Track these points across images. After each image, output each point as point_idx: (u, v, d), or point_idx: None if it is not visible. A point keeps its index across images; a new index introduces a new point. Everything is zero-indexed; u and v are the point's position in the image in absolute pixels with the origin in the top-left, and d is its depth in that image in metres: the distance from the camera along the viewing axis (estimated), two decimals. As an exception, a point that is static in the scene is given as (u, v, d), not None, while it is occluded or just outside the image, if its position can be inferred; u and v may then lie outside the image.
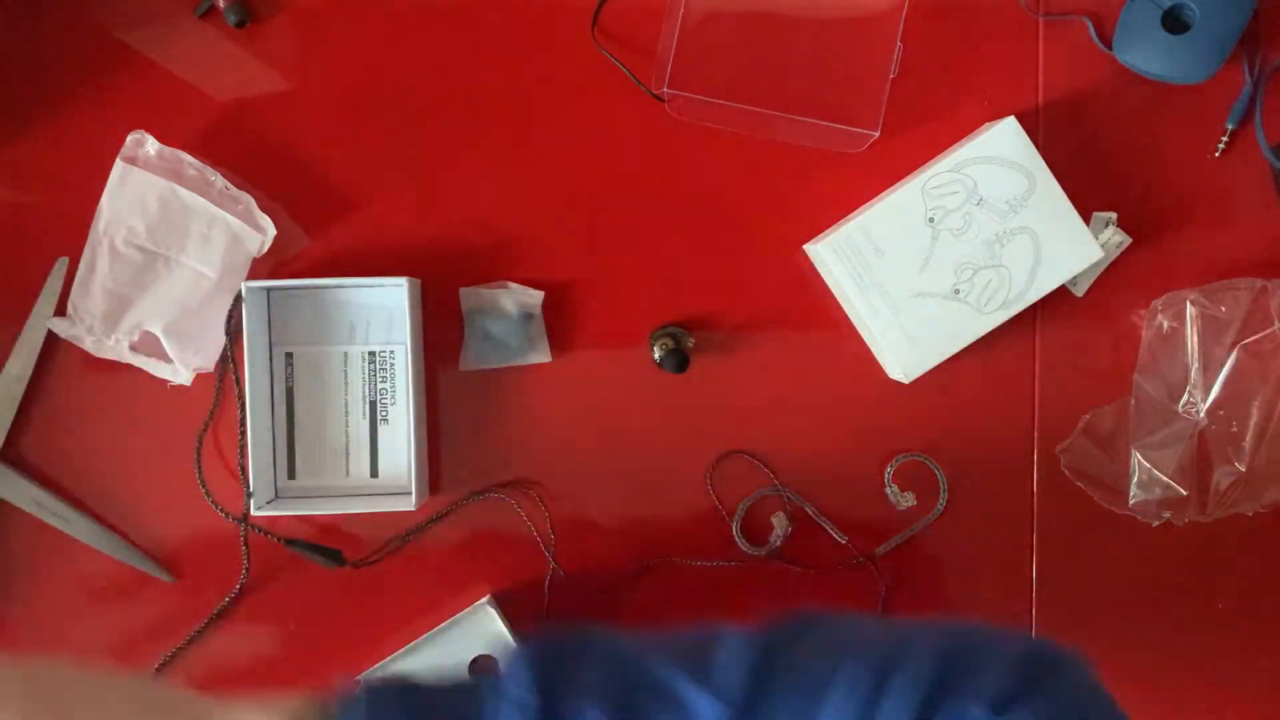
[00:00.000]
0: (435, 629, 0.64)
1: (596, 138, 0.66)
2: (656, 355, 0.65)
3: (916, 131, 0.67)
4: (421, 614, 0.67)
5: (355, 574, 0.67)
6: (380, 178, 0.66)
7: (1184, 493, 0.65)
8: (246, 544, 0.66)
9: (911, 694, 0.38)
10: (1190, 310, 0.64)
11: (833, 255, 0.63)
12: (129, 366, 0.65)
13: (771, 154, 0.67)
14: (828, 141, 0.66)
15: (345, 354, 0.66)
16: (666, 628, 0.45)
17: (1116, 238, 0.65)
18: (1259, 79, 0.66)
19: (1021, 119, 0.62)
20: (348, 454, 0.66)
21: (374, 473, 0.66)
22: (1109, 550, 0.68)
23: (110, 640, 0.67)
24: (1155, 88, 0.66)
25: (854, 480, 0.67)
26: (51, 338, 0.65)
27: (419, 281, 0.66)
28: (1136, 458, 0.66)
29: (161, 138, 0.63)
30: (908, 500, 0.67)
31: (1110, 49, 0.65)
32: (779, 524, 0.67)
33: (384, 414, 0.66)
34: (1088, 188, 0.65)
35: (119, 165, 0.63)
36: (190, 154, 0.64)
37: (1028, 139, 0.62)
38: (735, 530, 0.67)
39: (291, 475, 0.66)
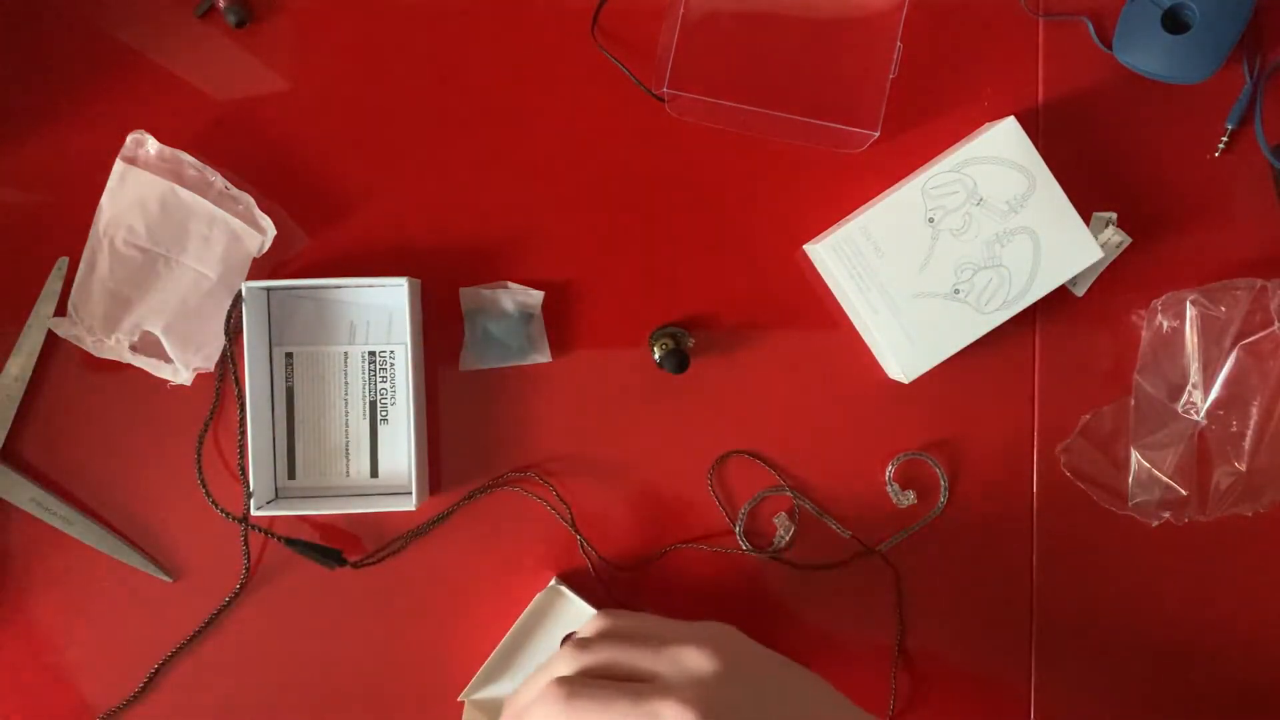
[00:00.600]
0: (516, 621, 0.65)
1: (596, 138, 0.67)
2: (656, 355, 0.65)
3: (916, 131, 0.67)
4: (423, 613, 0.67)
5: (356, 574, 0.67)
6: (380, 178, 0.66)
7: (1184, 493, 0.65)
8: (247, 544, 0.66)
9: None
10: (1190, 310, 0.64)
11: (833, 255, 0.63)
12: (129, 366, 0.65)
13: (771, 154, 0.67)
14: (828, 141, 0.66)
15: (345, 354, 0.66)
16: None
17: (1116, 238, 0.65)
18: (1259, 79, 0.66)
19: (1021, 119, 0.62)
20: (348, 454, 0.66)
21: (374, 473, 0.66)
22: (1109, 550, 0.68)
23: (110, 640, 0.67)
24: (1155, 88, 0.66)
25: (854, 479, 0.67)
26: (51, 338, 0.65)
27: (419, 282, 0.66)
28: (1136, 458, 0.66)
29: (161, 138, 0.63)
30: (908, 499, 0.67)
31: (1110, 49, 0.65)
32: (781, 525, 0.67)
33: (384, 414, 0.66)
34: (1088, 188, 0.65)
35: (119, 165, 0.63)
36: (190, 154, 0.64)
37: (1028, 139, 0.62)
38: (739, 533, 0.67)
39: (291, 475, 0.66)
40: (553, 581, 0.65)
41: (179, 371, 0.64)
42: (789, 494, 0.67)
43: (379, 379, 0.66)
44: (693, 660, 0.43)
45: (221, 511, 0.66)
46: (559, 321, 0.67)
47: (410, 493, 0.64)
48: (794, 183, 0.67)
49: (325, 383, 0.66)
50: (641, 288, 0.67)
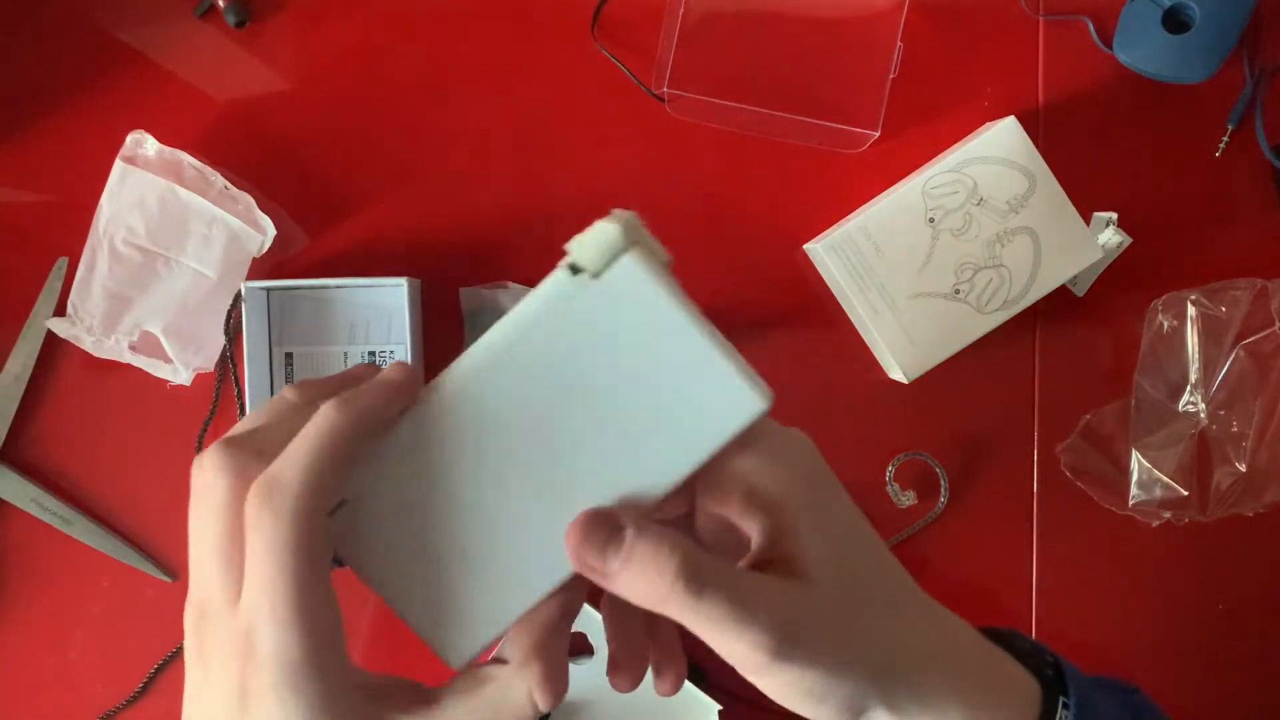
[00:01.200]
0: None
1: (596, 138, 0.66)
2: None
3: (916, 131, 0.67)
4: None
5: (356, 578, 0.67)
6: (380, 178, 0.66)
7: (1184, 493, 0.65)
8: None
9: None
10: (1191, 310, 0.64)
11: (833, 255, 0.63)
12: (129, 366, 0.65)
13: (771, 154, 0.67)
14: (828, 141, 0.66)
15: (345, 354, 0.66)
16: None
17: (1117, 238, 0.65)
18: (1259, 79, 0.66)
19: (1022, 119, 0.62)
20: (347, 454, 0.66)
21: (374, 473, 0.66)
22: (1109, 550, 0.68)
23: (109, 640, 0.67)
24: (1156, 87, 0.66)
25: (854, 479, 0.67)
26: (51, 338, 0.65)
27: (419, 282, 0.66)
28: (1137, 457, 0.66)
29: (161, 137, 0.63)
30: (908, 499, 0.67)
31: (1111, 49, 0.65)
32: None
33: (384, 414, 0.66)
34: (1088, 188, 0.65)
35: (118, 165, 0.63)
36: (190, 154, 0.64)
37: (1028, 139, 0.62)
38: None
39: (291, 475, 0.66)
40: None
41: (178, 371, 0.64)
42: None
43: (379, 379, 0.66)
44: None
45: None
46: (559, 321, 0.66)
47: (410, 493, 0.64)
48: (794, 183, 0.67)
49: (325, 383, 0.66)
50: (641, 288, 0.67)
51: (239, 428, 0.34)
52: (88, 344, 0.63)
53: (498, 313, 0.65)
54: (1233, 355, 0.64)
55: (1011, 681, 0.36)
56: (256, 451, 0.32)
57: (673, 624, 0.31)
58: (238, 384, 0.65)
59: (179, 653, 0.67)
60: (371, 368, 0.36)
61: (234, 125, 0.66)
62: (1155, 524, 0.67)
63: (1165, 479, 0.65)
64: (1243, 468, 0.65)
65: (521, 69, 0.66)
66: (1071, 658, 0.39)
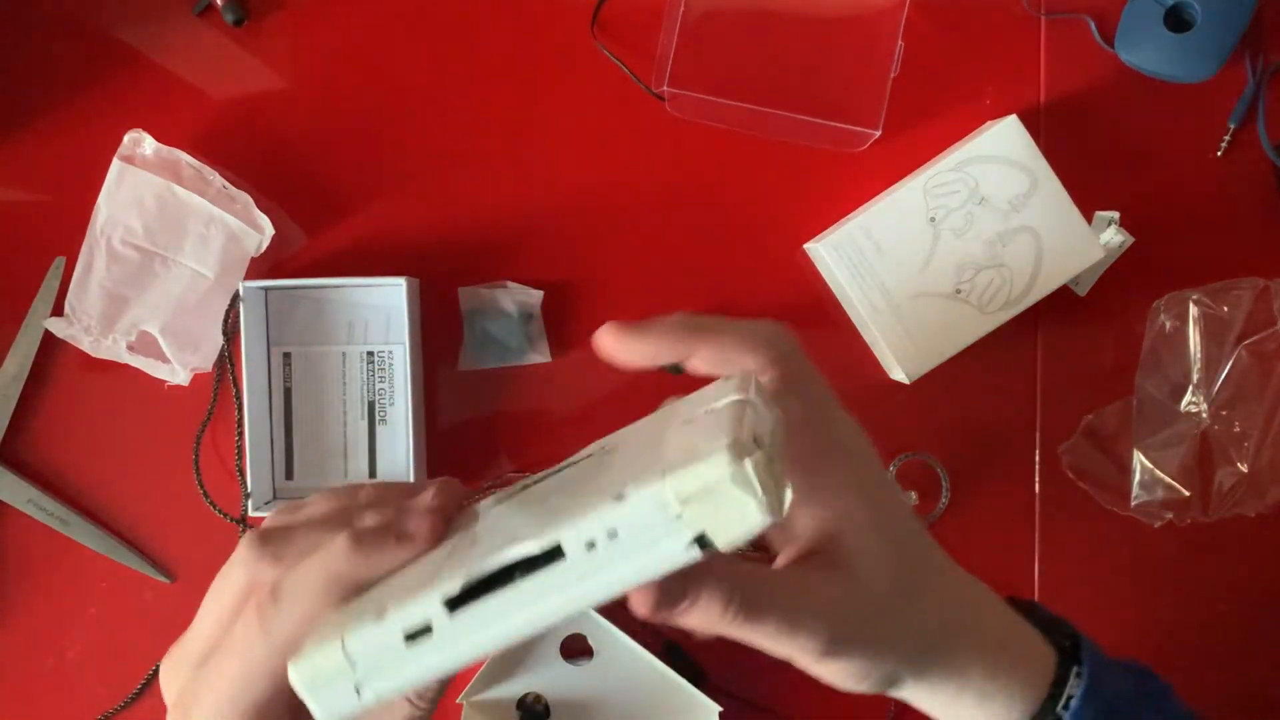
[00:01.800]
0: None
1: (596, 137, 0.66)
2: None
3: (917, 131, 0.66)
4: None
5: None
6: (379, 177, 0.66)
7: (1186, 493, 0.65)
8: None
9: None
10: (1192, 310, 0.64)
11: (833, 255, 0.62)
12: (126, 366, 0.65)
13: (771, 153, 0.66)
14: (828, 140, 0.65)
15: (344, 354, 0.66)
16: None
17: (1119, 237, 0.65)
18: (1261, 78, 0.66)
19: (1023, 118, 0.62)
20: (346, 455, 0.66)
21: (372, 473, 0.66)
22: (1111, 551, 0.68)
23: (108, 641, 0.67)
24: (1157, 87, 0.66)
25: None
26: (48, 338, 0.65)
27: (418, 281, 0.66)
28: (1138, 458, 0.65)
29: (159, 136, 0.63)
30: (910, 499, 0.66)
31: (1112, 48, 0.65)
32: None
33: (382, 415, 0.66)
34: (1090, 187, 0.65)
35: (116, 164, 0.62)
36: (188, 152, 0.63)
37: (1029, 138, 0.62)
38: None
39: (289, 476, 0.66)
40: None
41: (176, 371, 0.64)
42: (790, 495, 0.67)
43: (377, 379, 0.66)
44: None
45: (219, 512, 0.65)
46: (559, 321, 0.66)
47: (409, 493, 0.64)
48: (794, 182, 0.67)
49: (323, 383, 0.66)
50: (641, 288, 0.67)
51: (276, 519, 0.36)
52: (85, 344, 0.63)
53: (497, 312, 0.65)
54: (1235, 355, 0.64)
55: (1030, 649, 0.38)
56: (275, 557, 0.34)
57: None
58: (235, 384, 0.64)
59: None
60: (416, 489, 0.35)
61: (232, 124, 0.65)
62: (1157, 524, 0.66)
63: (1167, 479, 0.65)
64: (1245, 468, 0.64)
65: (521, 68, 0.66)
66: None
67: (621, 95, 0.66)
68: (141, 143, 0.63)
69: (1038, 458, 0.67)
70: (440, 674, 0.28)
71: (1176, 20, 0.63)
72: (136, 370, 0.64)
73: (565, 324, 0.66)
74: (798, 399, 0.34)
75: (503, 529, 0.29)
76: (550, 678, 0.66)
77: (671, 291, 0.67)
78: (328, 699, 0.28)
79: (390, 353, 0.66)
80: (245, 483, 0.63)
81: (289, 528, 0.35)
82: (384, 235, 0.66)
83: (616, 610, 0.66)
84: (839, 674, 0.34)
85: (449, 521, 0.34)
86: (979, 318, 0.62)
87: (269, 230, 0.63)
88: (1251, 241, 0.67)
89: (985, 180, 0.62)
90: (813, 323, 0.67)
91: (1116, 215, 0.65)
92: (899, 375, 0.64)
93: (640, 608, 0.30)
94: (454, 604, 0.27)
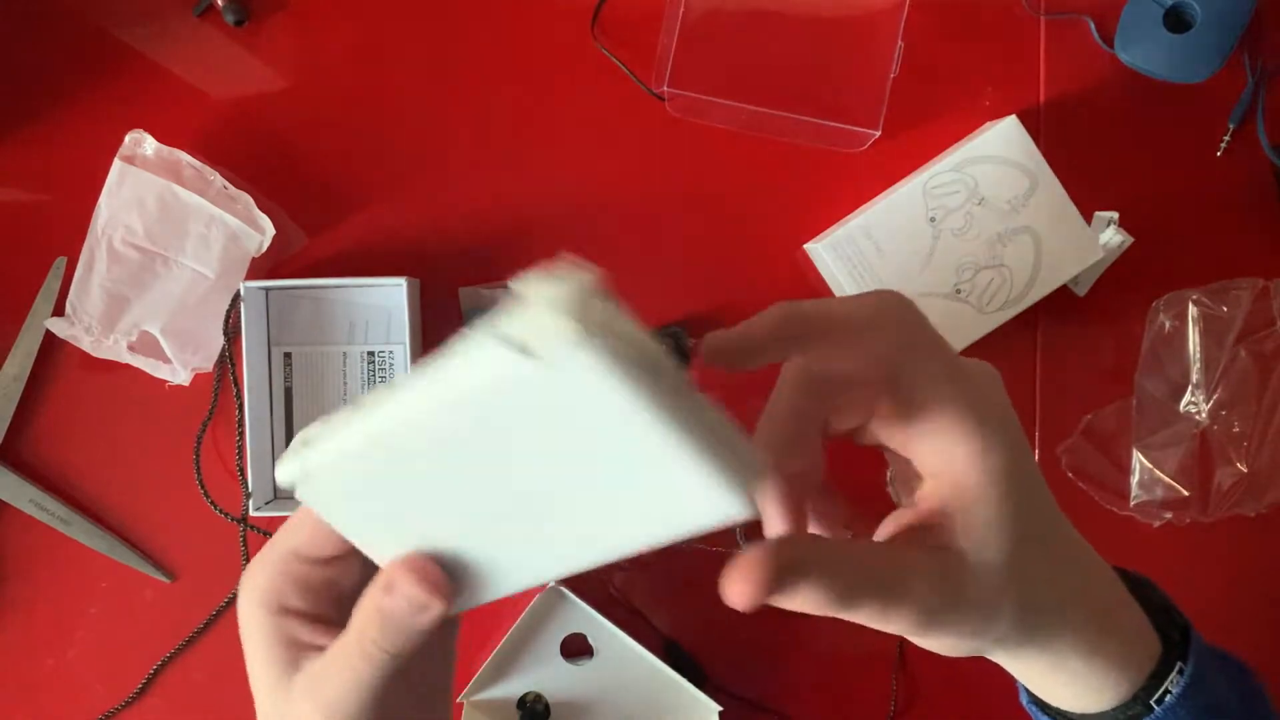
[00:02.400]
0: (517, 622, 0.65)
1: (597, 137, 0.66)
2: None
3: (917, 131, 0.66)
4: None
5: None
6: (380, 177, 0.66)
7: (1186, 493, 0.65)
8: (245, 544, 0.66)
9: None
10: (1192, 310, 0.64)
11: (833, 255, 0.62)
12: (127, 366, 0.65)
13: (771, 153, 0.67)
14: (828, 141, 0.65)
15: (344, 354, 0.66)
16: None
17: (1118, 237, 0.65)
18: (1261, 78, 0.66)
19: (1023, 118, 0.62)
20: (346, 454, 0.66)
21: (373, 473, 0.66)
22: (1110, 551, 0.67)
23: (108, 641, 0.67)
24: (1157, 87, 0.66)
25: (856, 478, 0.67)
26: (49, 338, 0.65)
27: (418, 282, 0.66)
28: (1138, 458, 0.65)
29: (160, 137, 0.63)
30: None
31: (1112, 48, 0.65)
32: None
33: (383, 415, 0.66)
34: (1089, 187, 0.65)
35: (117, 164, 0.62)
36: (189, 153, 0.63)
37: (1029, 138, 0.62)
38: (738, 535, 0.67)
39: (290, 476, 0.66)
40: (552, 582, 0.64)
41: (177, 371, 0.64)
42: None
43: (378, 379, 0.66)
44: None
45: (220, 512, 0.65)
46: (559, 321, 0.66)
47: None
48: (794, 182, 0.67)
49: (324, 383, 0.66)
50: (642, 287, 0.67)
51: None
52: (86, 344, 0.63)
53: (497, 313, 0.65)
54: (1234, 355, 0.64)
55: (1134, 634, 0.36)
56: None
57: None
58: (236, 384, 0.64)
59: (177, 653, 0.67)
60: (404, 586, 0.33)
61: (233, 125, 0.66)
62: (1156, 524, 0.66)
63: (1166, 479, 0.65)
64: (1244, 468, 0.64)
65: (521, 68, 0.66)
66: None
67: (621, 95, 0.66)
68: (142, 143, 0.63)
69: (1037, 457, 0.67)
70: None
71: (1176, 20, 0.64)
72: (137, 370, 0.64)
73: (565, 324, 0.66)
74: (929, 362, 0.33)
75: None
76: (550, 677, 0.67)
77: (671, 291, 0.67)
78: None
79: (391, 353, 0.66)
80: (245, 482, 0.63)
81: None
82: (384, 235, 0.66)
83: (617, 610, 0.67)
84: (936, 647, 0.34)
85: None
86: (978, 318, 0.63)
87: (270, 230, 0.63)
88: (1251, 241, 0.67)
89: (985, 180, 0.62)
90: (812, 323, 0.67)
91: (1116, 215, 0.65)
92: (899, 375, 0.64)
93: (739, 599, 0.29)
94: None
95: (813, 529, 0.38)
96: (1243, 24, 0.62)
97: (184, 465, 0.66)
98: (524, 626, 0.65)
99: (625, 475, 0.28)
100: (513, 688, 0.67)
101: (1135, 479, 0.66)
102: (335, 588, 0.35)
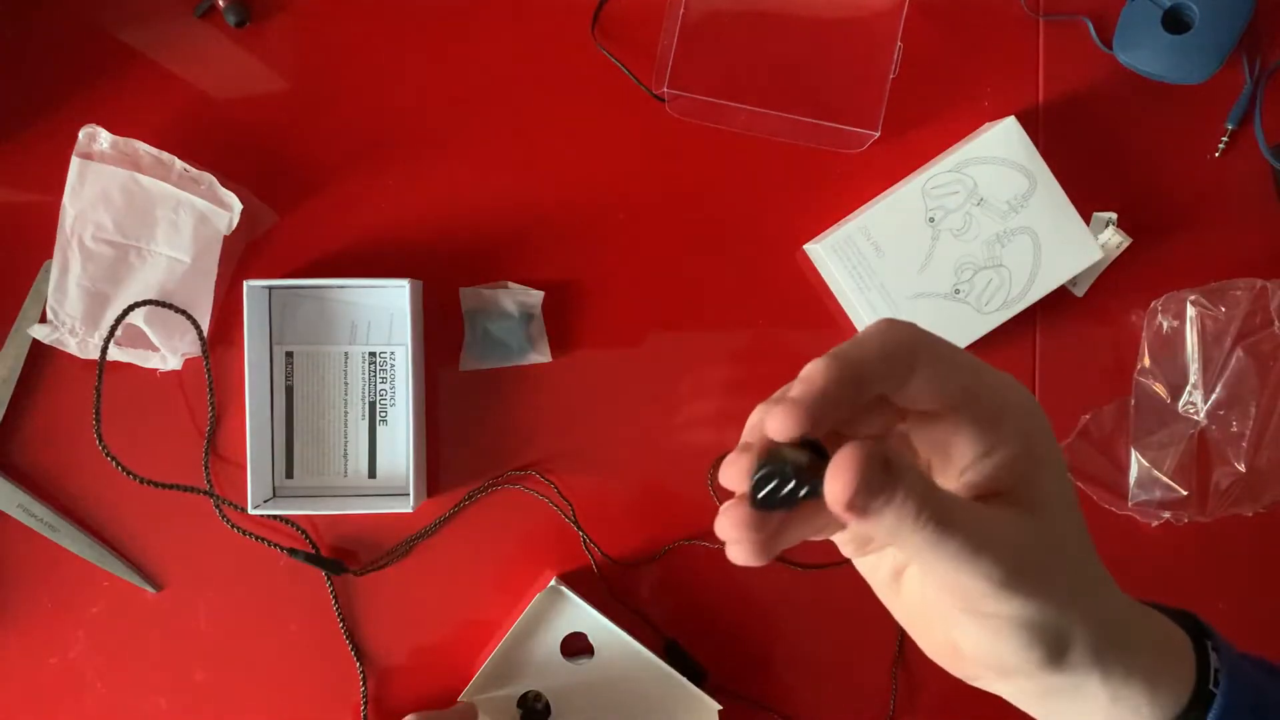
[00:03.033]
0: (517, 621, 0.65)
1: (596, 138, 0.66)
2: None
3: (916, 131, 0.66)
4: (423, 615, 0.67)
5: (354, 579, 0.66)
6: (380, 177, 0.66)
7: (1184, 493, 0.65)
8: (252, 536, 0.65)
9: None
10: (1190, 310, 0.64)
11: (833, 255, 0.62)
12: (115, 367, 0.64)
13: (771, 154, 0.67)
14: (828, 141, 0.65)
15: (346, 354, 0.66)
16: None
17: (1117, 238, 0.65)
18: (1259, 79, 0.66)
19: (1022, 119, 0.62)
20: (346, 454, 0.66)
21: (372, 474, 0.66)
22: (1109, 550, 0.67)
23: (94, 651, 0.66)
24: (1156, 88, 0.66)
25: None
26: (38, 341, 0.64)
27: (420, 283, 0.65)
28: (1136, 457, 0.66)
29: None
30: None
31: (1110, 49, 0.65)
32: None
33: (383, 415, 0.66)
34: (1088, 188, 0.65)
35: (76, 162, 0.61)
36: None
37: (1028, 139, 0.62)
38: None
39: (289, 474, 0.66)
40: (553, 582, 0.64)
41: (167, 359, 0.63)
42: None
43: (379, 379, 0.66)
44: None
45: (220, 513, 0.65)
46: (559, 321, 0.66)
47: (408, 494, 0.64)
48: (794, 183, 0.67)
49: (325, 383, 0.66)
50: (642, 287, 0.67)
51: None
52: (72, 346, 0.62)
53: (498, 313, 0.65)
54: (1232, 355, 0.64)
55: (1160, 620, 0.37)
56: None
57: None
58: (210, 382, 0.64)
59: (169, 659, 0.66)
60: None
61: (234, 125, 0.65)
62: (1155, 524, 0.67)
63: (1165, 479, 0.65)
64: (1242, 468, 0.65)
65: (521, 68, 0.66)
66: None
67: (621, 96, 0.66)
68: (97, 138, 0.62)
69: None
70: None
71: (1174, 22, 0.64)
72: (127, 372, 0.64)
73: (565, 324, 0.66)
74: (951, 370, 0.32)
75: None
76: (551, 676, 0.66)
77: (671, 292, 0.67)
78: None
79: (392, 354, 0.66)
80: (245, 481, 0.63)
81: None
82: (385, 236, 0.66)
83: (617, 609, 0.67)
84: (1013, 621, 0.31)
85: None
86: (977, 318, 0.63)
87: (237, 205, 0.62)
88: (1249, 242, 0.67)
89: (984, 181, 0.62)
90: (812, 323, 0.67)
91: (1114, 216, 0.66)
92: (899, 375, 0.64)
93: (838, 499, 0.28)
94: None
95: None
96: (1241, 25, 0.63)
97: (182, 465, 0.65)
98: (524, 626, 0.65)
99: None
100: (513, 687, 0.66)
101: (1133, 478, 0.66)
102: None
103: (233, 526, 0.65)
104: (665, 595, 0.68)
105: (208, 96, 0.65)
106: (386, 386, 0.66)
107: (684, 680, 0.64)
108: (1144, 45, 0.64)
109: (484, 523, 0.67)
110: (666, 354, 0.67)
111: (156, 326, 0.63)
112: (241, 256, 0.65)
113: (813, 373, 0.31)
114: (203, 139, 0.65)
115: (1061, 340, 0.67)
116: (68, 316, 0.62)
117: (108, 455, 0.62)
